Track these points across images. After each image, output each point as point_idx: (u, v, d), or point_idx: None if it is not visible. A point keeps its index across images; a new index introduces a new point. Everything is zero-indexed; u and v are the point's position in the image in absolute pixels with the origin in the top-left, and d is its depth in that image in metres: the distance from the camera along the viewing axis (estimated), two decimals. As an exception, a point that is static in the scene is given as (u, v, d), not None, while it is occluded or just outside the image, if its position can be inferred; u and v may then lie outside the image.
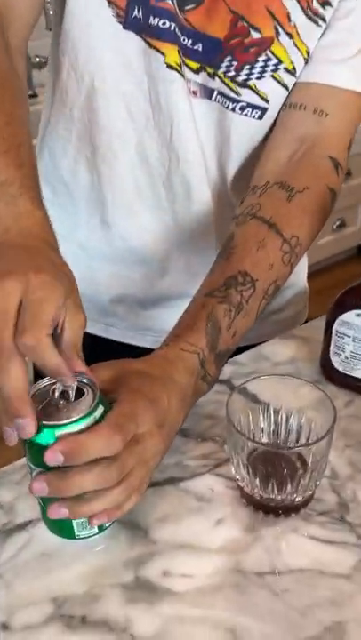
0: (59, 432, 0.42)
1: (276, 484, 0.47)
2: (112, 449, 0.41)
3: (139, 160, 0.68)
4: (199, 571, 0.46)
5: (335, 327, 0.60)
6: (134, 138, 0.67)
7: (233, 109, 0.64)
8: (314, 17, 0.60)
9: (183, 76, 0.62)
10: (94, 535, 0.46)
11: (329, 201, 0.63)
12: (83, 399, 0.43)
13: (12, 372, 0.39)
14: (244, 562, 0.46)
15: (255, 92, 0.63)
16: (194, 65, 0.62)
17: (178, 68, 0.61)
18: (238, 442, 0.47)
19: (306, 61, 0.62)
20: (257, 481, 0.48)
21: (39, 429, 0.41)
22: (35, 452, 0.42)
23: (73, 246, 0.73)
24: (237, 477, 0.50)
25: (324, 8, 0.59)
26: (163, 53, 0.61)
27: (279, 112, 0.65)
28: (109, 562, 0.47)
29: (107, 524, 0.47)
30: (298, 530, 0.49)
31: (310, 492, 0.49)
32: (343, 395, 0.62)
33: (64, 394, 0.44)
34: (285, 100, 0.64)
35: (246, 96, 0.63)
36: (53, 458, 0.41)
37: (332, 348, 0.61)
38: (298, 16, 0.59)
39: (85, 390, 0.44)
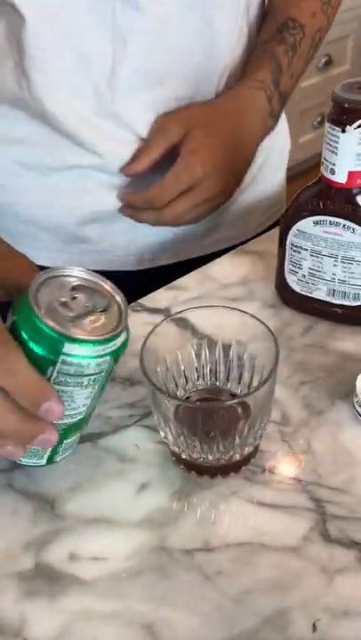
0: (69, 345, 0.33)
1: (206, 441, 0.38)
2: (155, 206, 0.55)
3: (76, 59, 0.53)
4: (114, 552, 0.37)
5: (290, 239, 0.49)
6: (67, 32, 0.52)
7: None
8: None
9: None
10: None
11: None
12: (107, 314, 0.35)
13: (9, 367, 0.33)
14: (170, 537, 0.38)
15: None
16: None
17: None
18: (156, 393, 0.37)
19: None
20: (182, 438, 0.38)
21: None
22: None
23: (16, 168, 0.60)
24: (162, 434, 0.40)
25: None
26: None
27: None
28: (5, 545, 0.38)
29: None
30: (238, 493, 0.40)
31: (252, 447, 0.40)
32: (301, 320, 0.51)
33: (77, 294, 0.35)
34: None
35: None
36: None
37: (287, 264, 0.50)
38: None
39: (109, 303, 0.35)
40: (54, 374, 0.33)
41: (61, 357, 0.33)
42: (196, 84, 0.58)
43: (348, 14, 2.09)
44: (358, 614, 0.34)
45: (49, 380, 0.34)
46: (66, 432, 0.37)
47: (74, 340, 0.33)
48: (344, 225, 0.45)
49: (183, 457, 0.40)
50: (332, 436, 0.43)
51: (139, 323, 0.50)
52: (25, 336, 0.33)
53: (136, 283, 0.55)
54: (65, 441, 0.38)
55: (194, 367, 0.44)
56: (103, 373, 0.35)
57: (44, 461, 0.39)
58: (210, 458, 0.38)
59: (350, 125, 0.40)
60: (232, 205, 0.66)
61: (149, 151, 0.57)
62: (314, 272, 0.49)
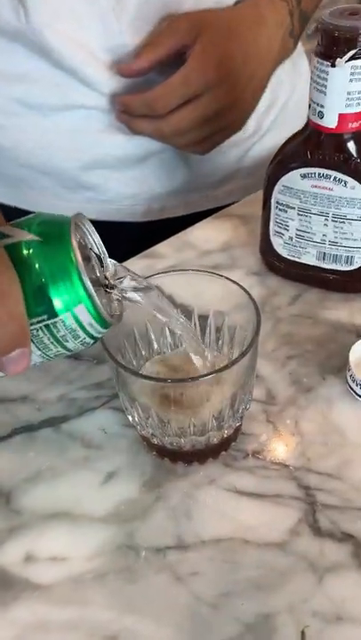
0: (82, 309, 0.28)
1: (179, 423, 0.33)
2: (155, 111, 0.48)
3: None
4: (76, 551, 0.33)
5: (275, 196, 0.43)
6: None
7: None
8: None
9: None
10: None
11: None
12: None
13: None
14: (138, 534, 0.33)
15: None
16: None
17: None
18: (120, 371, 0.32)
19: None
20: (150, 420, 0.33)
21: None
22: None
23: (16, 106, 0.55)
24: (129, 417, 0.36)
25: None
26: None
27: None
28: None
29: None
30: (216, 481, 0.35)
31: (232, 429, 0.35)
32: (289, 288, 0.47)
33: None
34: None
35: None
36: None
37: (272, 226, 0.45)
38: None
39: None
40: (38, 325, 0.28)
41: (62, 316, 0.28)
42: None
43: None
44: (352, 619, 0.29)
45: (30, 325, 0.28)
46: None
47: (92, 307, 0.28)
48: (335, 177, 0.40)
49: (154, 442, 0.35)
50: (322, 416, 0.38)
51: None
52: (42, 269, 0.27)
53: (141, 236, 0.50)
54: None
55: (167, 342, 0.39)
56: (71, 352, 0.30)
57: None
58: (183, 442, 0.34)
59: (341, 58, 0.35)
60: (250, 151, 0.61)
61: (155, 49, 0.49)
62: (302, 233, 0.44)
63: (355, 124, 0.38)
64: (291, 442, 0.37)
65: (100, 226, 0.32)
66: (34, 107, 0.54)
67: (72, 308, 0.28)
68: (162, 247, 0.52)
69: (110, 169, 0.57)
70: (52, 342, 0.29)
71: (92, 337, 0.30)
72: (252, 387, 0.35)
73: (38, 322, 0.28)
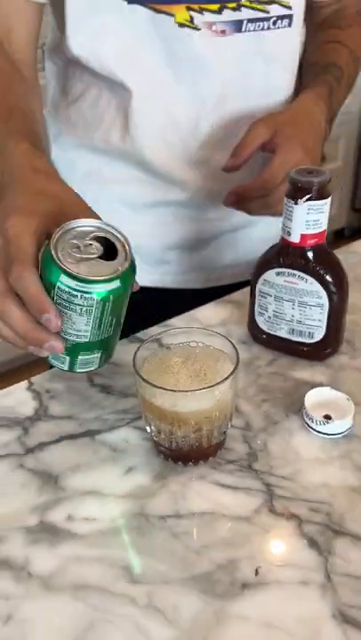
0: (69, 280, 0.44)
1: (182, 434, 0.48)
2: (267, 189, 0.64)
3: (168, 120, 0.72)
4: (103, 515, 0.47)
5: (258, 287, 0.61)
6: (161, 101, 0.71)
7: (268, 28, 0.70)
8: None
9: (196, 28, 0.67)
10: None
11: None
12: (109, 264, 0.46)
13: (23, 282, 0.45)
14: (147, 507, 0.47)
15: (279, 3, 0.70)
16: (214, 7, 0.67)
17: (189, 23, 0.66)
18: (145, 389, 0.48)
19: None
20: (161, 431, 0.49)
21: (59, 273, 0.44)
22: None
23: (117, 205, 0.77)
24: (147, 429, 0.51)
25: None
26: (172, 14, 0.66)
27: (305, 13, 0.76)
28: (16, 508, 0.47)
29: None
30: (205, 477, 0.50)
31: (218, 440, 0.50)
32: (267, 354, 0.63)
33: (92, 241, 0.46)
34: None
35: (274, 11, 0.70)
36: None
37: (256, 307, 0.62)
38: None
39: (118, 248, 0.47)
40: (55, 297, 0.45)
41: (57, 284, 0.44)
42: None
43: (340, 118, 2.33)
44: (291, 564, 0.43)
45: (53, 299, 0.45)
46: (75, 348, 0.48)
47: (65, 273, 0.44)
48: (299, 275, 0.57)
49: (165, 445, 0.50)
50: (284, 440, 0.53)
51: (132, 351, 0.62)
52: (42, 262, 0.45)
53: (194, 300, 0.71)
54: (79, 356, 0.49)
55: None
56: (93, 308, 0.45)
57: (65, 367, 0.50)
58: (184, 447, 0.49)
59: (301, 199, 0.54)
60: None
61: (246, 147, 0.66)
62: (277, 314, 0.61)
63: (312, 241, 0.56)
64: (260, 456, 0.51)
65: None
66: (129, 204, 0.77)
67: (58, 278, 0.44)
68: (174, 320, 0.69)
69: (184, 249, 0.80)
70: (69, 307, 0.45)
71: (88, 293, 0.44)
72: (232, 413, 0.50)
73: (52, 296, 0.45)
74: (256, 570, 0.43)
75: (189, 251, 0.81)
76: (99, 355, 0.50)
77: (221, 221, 0.80)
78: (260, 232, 0.80)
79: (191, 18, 0.67)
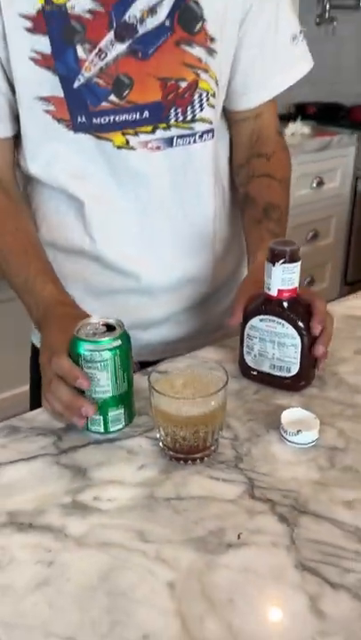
0: (88, 345, 0.64)
1: (184, 439, 0.63)
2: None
3: (117, 225, 0.87)
4: (121, 497, 0.60)
5: (246, 331, 0.77)
6: (110, 208, 0.85)
7: (194, 141, 0.85)
8: (211, 52, 0.81)
9: (132, 148, 0.82)
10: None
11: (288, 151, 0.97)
12: (110, 333, 0.66)
13: (59, 363, 0.65)
14: (156, 492, 0.61)
15: (202, 120, 0.84)
16: (148, 128, 0.81)
17: (125, 145, 0.82)
18: (156, 399, 0.63)
19: (216, 83, 0.84)
20: (168, 436, 0.63)
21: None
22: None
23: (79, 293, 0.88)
24: (157, 435, 0.65)
25: (213, 42, 0.81)
26: (110, 140, 0.81)
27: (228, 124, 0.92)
28: (54, 490, 0.61)
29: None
30: (201, 472, 0.63)
31: (211, 445, 0.64)
32: (254, 385, 0.78)
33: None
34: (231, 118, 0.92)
35: (198, 127, 0.84)
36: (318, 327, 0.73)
37: (244, 348, 0.78)
38: (205, 57, 0.81)
39: (115, 325, 0.67)
40: (82, 364, 0.63)
41: (81, 352, 0.63)
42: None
43: (332, 200, 2.57)
44: (265, 532, 0.56)
45: (81, 368, 0.63)
46: (104, 404, 0.64)
47: (85, 341, 0.63)
48: (277, 321, 0.73)
49: (170, 446, 0.64)
50: (264, 448, 0.67)
51: (143, 381, 0.77)
52: (70, 347, 0.64)
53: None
54: (109, 413, 0.65)
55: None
56: (109, 362, 0.63)
57: (101, 429, 0.66)
58: (185, 447, 0.63)
59: (278, 262, 0.70)
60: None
61: (240, 306, 0.77)
62: (261, 353, 0.76)
63: (287, 294, 0.72)
64: (245, 459, 0.65)
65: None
66: (90, 293, 0.90)
67: (80, 347, 0.63)
68: (181, 358, 0.84)
69: (139, 329, 0.90)
70: (93, 367, 0.64)
71: (102, 350, 0.64)
72: (223, 422, 0.65)
73: (81, 364, 0.63)
74: (238, 535, 0.56)
75: (144, 331, 0.92)
76: (122, 410, 0.67)
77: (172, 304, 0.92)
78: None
79: (127, 141, 0.81)
